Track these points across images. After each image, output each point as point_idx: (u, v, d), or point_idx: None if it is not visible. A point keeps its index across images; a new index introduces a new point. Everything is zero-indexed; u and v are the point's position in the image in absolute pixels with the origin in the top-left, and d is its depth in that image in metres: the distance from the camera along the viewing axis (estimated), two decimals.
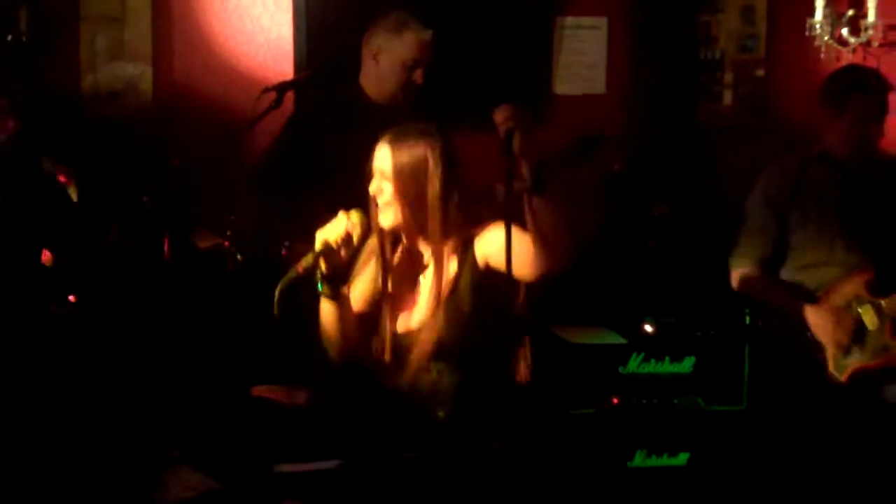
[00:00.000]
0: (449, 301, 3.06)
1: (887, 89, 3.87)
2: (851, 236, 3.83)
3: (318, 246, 3.07)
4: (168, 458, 3.08)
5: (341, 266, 3.09)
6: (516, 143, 2.83)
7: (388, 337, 3.16)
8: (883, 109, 3.84)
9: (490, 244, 3.03)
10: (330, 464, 3.40)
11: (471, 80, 4.89)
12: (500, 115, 2.89)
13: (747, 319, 4.25)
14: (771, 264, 3.92)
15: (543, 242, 2.90)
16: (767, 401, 4.02)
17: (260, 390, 4.16)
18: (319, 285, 3.10)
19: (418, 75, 3.86)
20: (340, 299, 3.13)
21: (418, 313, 3.16)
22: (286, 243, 3.95)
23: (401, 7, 4.07)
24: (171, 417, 4.16)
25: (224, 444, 4.05)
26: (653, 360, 4.23)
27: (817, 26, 5.11)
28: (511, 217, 2.77)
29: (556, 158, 3.35)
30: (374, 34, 3.92)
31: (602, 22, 5.14)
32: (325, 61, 4.79)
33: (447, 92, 4.50)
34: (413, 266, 3.19)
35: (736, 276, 3.99)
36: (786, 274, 3.95)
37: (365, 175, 3.17)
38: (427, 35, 3.87)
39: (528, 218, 2.90)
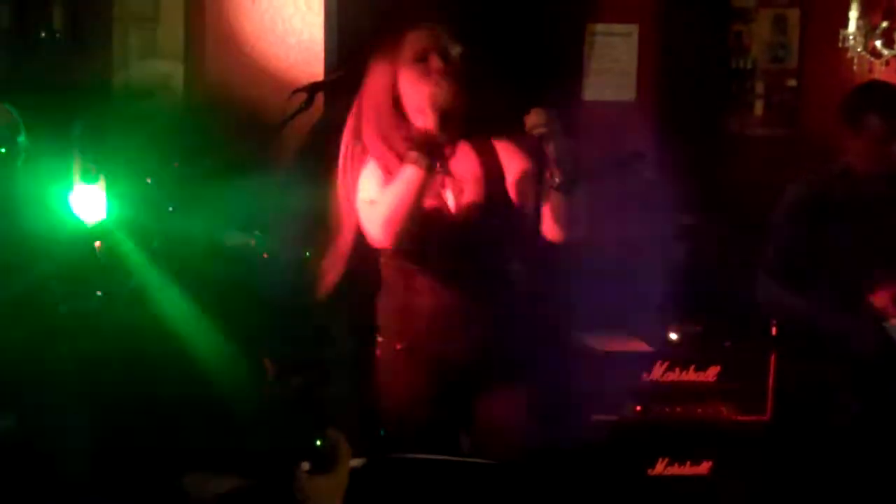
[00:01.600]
0: None
1: None
2: (875, 252, 3.81)
3: (432, 110, 3.01)
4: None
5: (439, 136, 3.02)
6: (549, 148, 2.86)
7: None
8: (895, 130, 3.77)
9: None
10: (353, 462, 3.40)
11: (501, 86, 4.89)
12: (531, 120, 2.91)
13: (773, 330, 4.23)
14: (795, 279, 3.91)
15: (552, 229, 2.99)
16: (791, 412, 4.00)
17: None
18: (416, 153, 3.00)
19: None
20: (434, 173, 3.03)
21: None
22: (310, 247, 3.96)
23: (432, 12, 4.06)
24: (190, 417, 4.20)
25: (247, 442, 4.08)
26: (677, 369, 4.22)
27: (850, 37, 5.08)
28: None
29: (591, 169, 3.34)
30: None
31: (633, 29, 5.13)
32: (355, 63, 4.80)
33: (477, 97, 4.49)
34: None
35: (760, 290, 3.97)
36: (810, 289, 3.92)
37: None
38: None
39: (547, 204, 2.97)
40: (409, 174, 2.98)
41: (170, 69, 4.85)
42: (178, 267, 3.85)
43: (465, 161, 3.16)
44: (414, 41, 3.09)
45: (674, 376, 4.22)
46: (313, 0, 4.95)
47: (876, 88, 3.99)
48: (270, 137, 4.33)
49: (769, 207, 4.21)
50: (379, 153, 3.11)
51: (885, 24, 5.12)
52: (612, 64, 5.14)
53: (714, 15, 5.22)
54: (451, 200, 3.13)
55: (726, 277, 4.57)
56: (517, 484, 3.24)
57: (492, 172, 3.15)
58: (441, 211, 3.11)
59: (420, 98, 3.04)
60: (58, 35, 4.73)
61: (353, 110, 3.20)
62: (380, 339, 3.23)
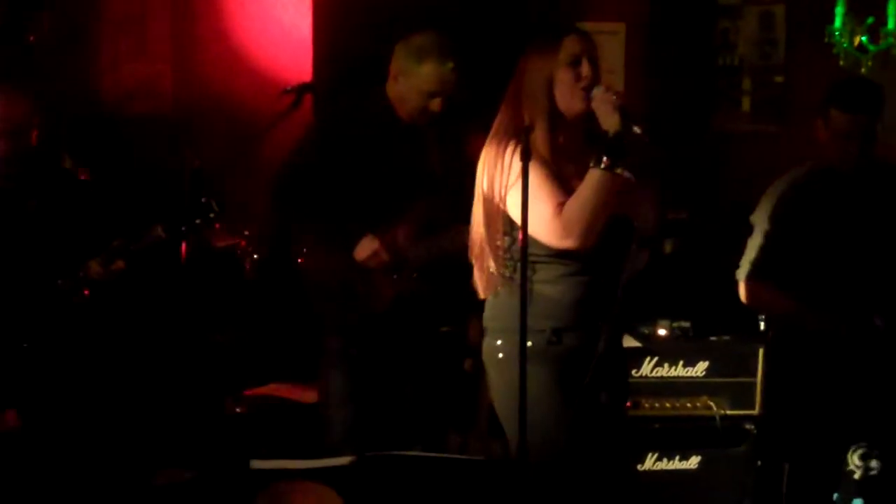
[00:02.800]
0: None
1: (874, 104, 3.80)
2: (854, 249, 3.82)
3: (613, 110, 3.04)
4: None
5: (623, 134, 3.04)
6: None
7: None
8: (867, 127, 3.78)
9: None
10: (342, 460, 3.42)
11: (488, 85, 4.90)
12: (608, 97, 3.03)
13: (761, 325, 4.24)
14: (777, 276, 3.92)
15: (577, 213, 3.01)
16: (779, 406, 4.01)
17: (272, 388, 4.22)
18: (607, 157, 3.02)
19: (436, 104, 3.77)
20: (616, 174, 3.04)
21: None
22: (304, 250, 3.96)
23: (421, 15, 4.05)
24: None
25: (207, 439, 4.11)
26: (666, 365, 4.24)
27: (836, 33, 5.09)
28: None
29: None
30: (398, 53, 3.80)
31: (620, 28, 5.15)
32: (345, 64, 4.82)
33: (467, 104, 4.50)
34: None
35: (743, 288, 3.99)
36: (791, 285, 3.93)
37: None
38: (448, 66, 3.77)
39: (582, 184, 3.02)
40: (599, 177, 3.03)
41: (157, 70, 4.86)
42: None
43: None
44: (570, 44, 3.13)
45: (662, 372, 4.23)
46: (302, 0, 4.97)
47: (844, 85, 3.99)
48: (259, 138, 4.35)
49: (756, 203, 4.23)
50: (549, 156, 3.14)
51: (871, 19, 5.14)
52: (600, 62, 5.15)
53: (700, 12, 5.24)
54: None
55: (714, 273, 4.58)
56: (506, 481, 3.25)
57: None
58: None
59: (577, 105, 3.10)
60: (45, 38, 4.74)
61: (506, 112, 3.21)
62: (499, 342, 3.23)
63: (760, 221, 3.94)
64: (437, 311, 3.95)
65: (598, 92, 3.08)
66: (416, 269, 3.77)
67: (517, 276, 3.10)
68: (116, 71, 4.87)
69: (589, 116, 3.11)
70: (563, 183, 3.12)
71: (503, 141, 3.15)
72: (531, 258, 3.09)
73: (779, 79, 5.33)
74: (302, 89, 4.16)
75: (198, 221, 3.75)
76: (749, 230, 3.99)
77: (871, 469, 3.80)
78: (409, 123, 3.83)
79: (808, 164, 3.92)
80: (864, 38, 5.13)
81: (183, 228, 3.75)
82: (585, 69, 3.11)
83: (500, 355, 3.18)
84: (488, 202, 3.19)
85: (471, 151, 3.88)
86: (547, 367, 3.13)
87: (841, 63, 5.10)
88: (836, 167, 3.83)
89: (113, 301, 3.91)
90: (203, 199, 3.75)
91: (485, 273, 3.23)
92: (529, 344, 3.02)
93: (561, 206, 3.06)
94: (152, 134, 4.78)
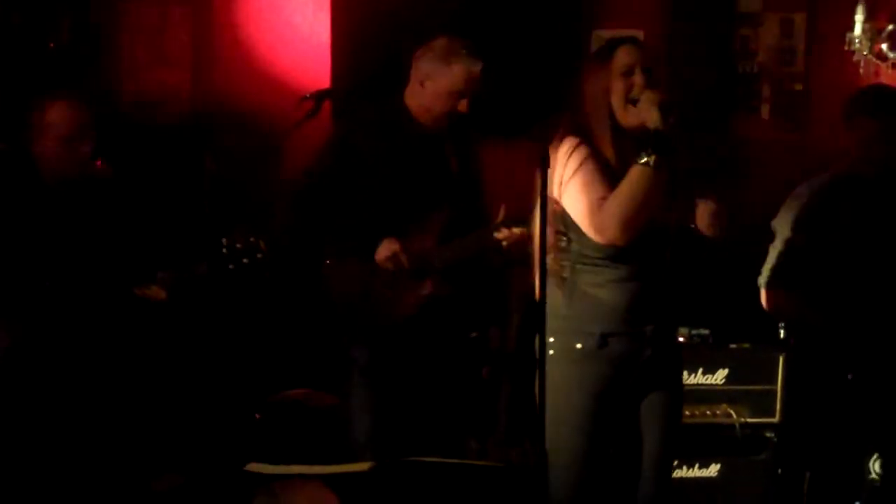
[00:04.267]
0: None
1: None
2: (879, 256, 3.80)
3: (653, 107, 3.08)
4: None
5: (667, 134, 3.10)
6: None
7: None
8: (889, 132, 3.78)
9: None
10: (362, 466, 3.42)
11: (509, 95, 4.90)
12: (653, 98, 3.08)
13: (781, 333, 4.23)
14: (799, 283, 3.90)
15: (615, 207, 3.06)
16: (800, 414, 3.99)
17: (291, 393, 4.22)
18: (648, 154, 3.06)
19: (464, 105, 3.79)
20: (661, 169, 3.09)
21: None
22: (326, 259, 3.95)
23: (441, 21, 4.06)
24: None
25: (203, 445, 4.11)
26: (685, 372, 4.22)
27: (856, 41, 5.08)
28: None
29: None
30: (423, 59, 3.82)
31: (638, 34, 5.14)
32: (363, 72, 4.83)
33: (486, 106, 4.51)
34: None
35: (765, 294, 3.98)
36: (814, 292, 3.92)
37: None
38: (477, 66, 3.78)
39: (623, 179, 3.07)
40: (641, 174, 3.07)
41: (177, 78, 4.88)
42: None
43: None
44: (623, 55, 3.19)
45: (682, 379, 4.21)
46: (321, 7, 4.99)
47: (871, 91, 4.00)
48: (278, 146, 4.36)
49: (776, 210, 4.21)
50: (615, 161, 3.18)
51: (890, 27, 5.13)
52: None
53: (720, 19, 5.23)
54: None
55: (733, 280, 4.57)
56: (524, 486, 3.24)
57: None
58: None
59: (629, 115, 3.15)
60: (66, 45, 4.76)
61: (569, 115, 3.27)
62: (550, 339, 3.22)
63: (782, 228, 3.93)
64: (462, 317, 3.95)
65: (633, 108, 3.14)
66: (438, 273, 3.77)
67: (572, 277, 3.21)
68: (136, 79, 4.88)
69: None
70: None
71: (564, 142, 3.21)
72: (583, 261, 3.18)
73: (798, 86, 5.32)
74: (321, 96, 4.17)
75: (245, 261, 3.73)
76: (770, 237, 3.98)
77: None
78: (427, 130, 3.84)
79: (831, 171, 3.91)
80: (883, 46, 5.13)
81: (231, 267, 3.73)
82: (637, 79, 3.16)
83: (551, 352, 3.19)
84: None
85: (489, 156, 3.91)
86: (594, 369, 3.19)
87: (861, 71, 5.09)
88: (862, 174, 3.82)
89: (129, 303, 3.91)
90: (252, 239, 3.72)
91: None
92: (579, 346, 3.18)
93: (603, 200, 3.11)
94: (172, 142, 4.79)
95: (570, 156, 3.16)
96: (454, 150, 3.89)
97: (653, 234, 3.17)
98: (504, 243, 3.64)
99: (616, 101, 3.16)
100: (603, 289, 3.20)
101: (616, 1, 5.15)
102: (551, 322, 3.16)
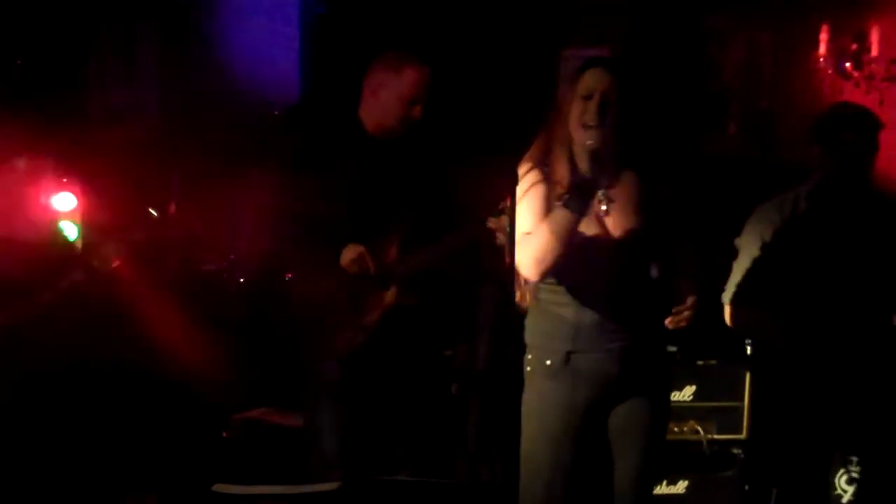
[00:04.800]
0: None
1: (876, 128, 3.85)
2: (843, 273, 3.84)
3: (584, 153, 3.08)
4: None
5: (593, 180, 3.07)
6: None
7: None
8: (868, 148, 3.83)
9: None
10: (329, 486, 3.41)
11: (477, 113, 4.93)
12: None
13: (748, 349, 4.25)
14: (764, 300, 3.93)
15: (530, 244, 3.07)
16: (767, 430, 4.01)
17: (259, 412, 4.21)
18: (568, 197, 3.06)
19: (417, 111, 3.86)
20: (582, 216, 3.08)
21: None
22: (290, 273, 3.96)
23: (407, 40, 4.10)
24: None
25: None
26: None
27: (821, 59, 5.14)
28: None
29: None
30: (374, 70, 3.89)
31: (603, 53, 5.17)
32: (330, 91, 4.84)
33: (453, 125, 4.53)
34: None
35: (729, 311, 4.01)
36: (778, 309, 3.95)
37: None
38: (426, 72, 3.88)
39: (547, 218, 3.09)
40: (560, 216, 3.07)
41: (145, 94, 4.87)
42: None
43: (627, 188, 3.24)
44: (587, 78, 3.18)
45: None
46: (290, 24, 4.99)
47: (838, 110, 4.04)
48: (247, 161, 4.35)
49: (741, 227, 4.24)
50: (561, 175, 3.18)
51: (854, 46, 5.18)
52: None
53: (686, 38, 5.27)
54: (612, 227, 3.22)
55: (701, 297, 4.59)
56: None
57: (650, 200, 3.27)
58: (601, 238, 3.20)
59: (580, 138, 3.14)
60: (33, 60, 4.74)
61: (538, 135, 3.27)
62: (528, 356, 3.28)
63: (747, 245, 3.95)
64: (429, 333, 3.96)
65: (583, 133, 3.12)
66: (402, 282, 3.78)
67: (539, 297, 3.24)
68: (104, 95, 4.87)
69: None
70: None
71: (522, 163, 3.22)
72: (546, 281, 3.19)
73: (765, 104, 5.36)
74: (290, 113, 4.17)
75: None
76: (734, 254, 4.01)
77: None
78: (380, 141, 3.88)
79: (796, 188, 3.93)
80: (848, 65, 5.19)
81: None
82: (592, 106, 3.13)
83: (528, 368, 3.25)
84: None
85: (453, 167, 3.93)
86: (562, 387, 3.20)
87: (826, 89, 5.15)
88: (827, 192, 3.85)
89: (98, 322, 3.90)
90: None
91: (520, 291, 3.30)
92: (548, 363, 3.21)
93: (527, 234, 3.13)
94: (139, 158, 4.77)
95: (521, 180, 3.14)
96: (414, 160, 3.91)
97: (623, 255, 3.19)
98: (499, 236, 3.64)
99: (573, 123, 3.16)
100: (568, 307, 3.21)
101: (585, 20, 5.18)
102: (530, 338, 3.26)
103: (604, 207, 3.08)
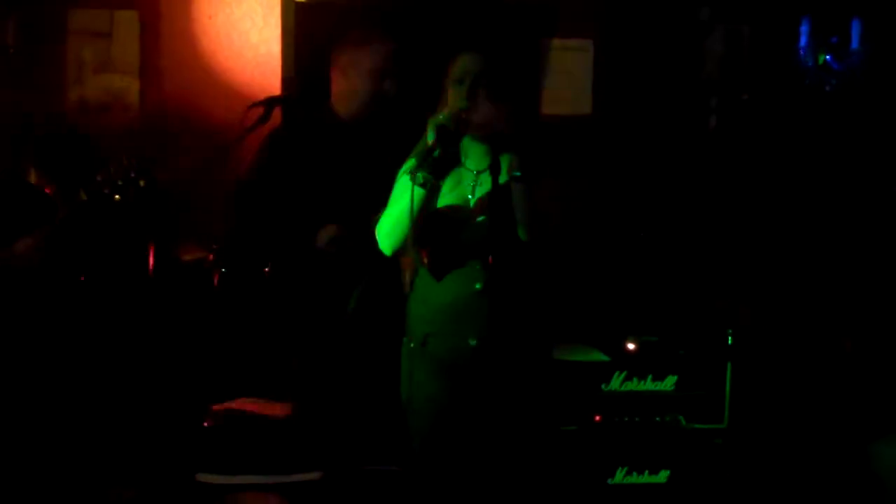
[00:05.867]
0: None
1: None
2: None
3: (432, 129, 3.07)
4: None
5: (448, 154, 3.10)
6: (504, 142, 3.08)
7: None
8: None
9: None
10: (311, 475, 3.40)
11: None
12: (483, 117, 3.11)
13: (729, 339, 4.26)
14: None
15: (522, 220, 3.10)
16: (748, 419, 4.03)
17: (240, 402, 4.17)
18: (420, 172, 3.10)
19: (388, 84, 3.87)
20: (433, 191, 3.15)
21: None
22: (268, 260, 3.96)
23: (383, 28, 4.09)
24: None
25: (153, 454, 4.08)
26: (635, 379, 4.25)
27: (801, 52, 5.15)
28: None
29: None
30: (340, 51, 3.94)
31: (588, 44, 5.18)
32: (311, 80, 4.81)
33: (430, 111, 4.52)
34: None
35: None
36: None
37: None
38: (392, 43, 3.89)
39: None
40: (404, 188, 3.15)
41: (124, 83, 4.84)
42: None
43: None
44: (458, 63, 3.21)
45: (631, 386, 4.24)
46: (270, 15, 4.97)
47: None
48: (227, 151, 4.33)
49: (721, 218, 4.26)
50: None
51: (835, 38, 5.20)
52: (568, 78, 5.18)
53: (667, 31, 5.27)
54: (472, 198, 3.24)
55: (681, 287, 4.61)
56: (476, 494, 3.24)
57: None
58: (461, 208, 3.22)
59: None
60: (11, 50, 4.71)
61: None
62: (405, 338, 3.34)
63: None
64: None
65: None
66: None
67: (415, 279, 3.32)
68: (83, 84, 4.83)
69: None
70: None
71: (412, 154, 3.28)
72: (414, 265, 3.29)
73: (744, 97, 5.37)
74: (270, 103, 4.15)
75: (118, 197, 3.71)
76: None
77: None
78: (353, 125, 3.87)
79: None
80: (828, 57, 5.20)
81: (115, 197, 3.71)
82: (463, 90, 3.17)
83: (402, 350, 3.34)
84: None
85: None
86: (423, 367, 3.24)
87: (806, 81, 5.16)
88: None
89: (80, 312, 3.88)
90: (131, 174, 3.71)
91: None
92: (412, 345, 3.27)
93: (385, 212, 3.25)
94: (119, 148, 4.74)
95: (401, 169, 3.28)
96: (384, 143, 3.90)
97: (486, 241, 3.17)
98: None
99: (442, 107, 3.18)
100: (427, 290, 3.26)
101: (566, 11, 5.17)
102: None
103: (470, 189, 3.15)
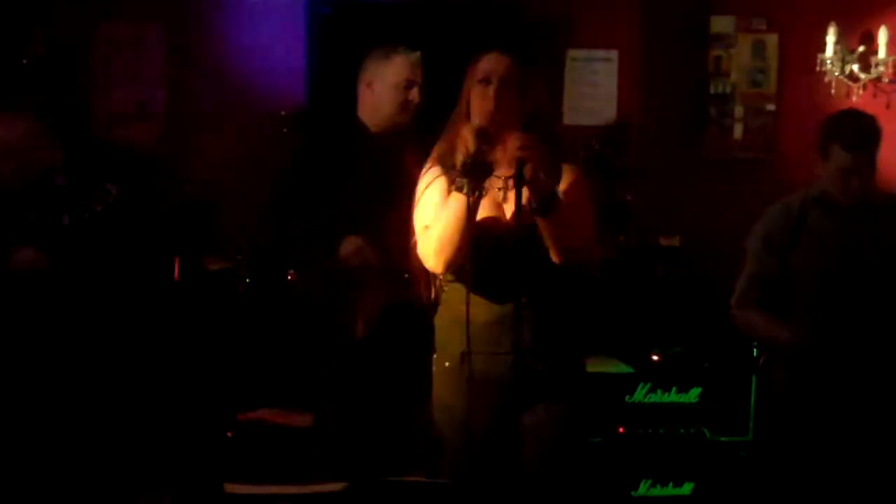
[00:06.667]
0: None
1: (870, 139, 3.81)
2: (850, 279, 3.82)
3: (471, 134, 2.96)
4: None
5: (487, 158, 2.97)
6: (527, 171, 2.88)
7: None
8: (866, 162, 3.80)
9: None
10: (333, 486, 3.41)
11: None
12: (513, 144, 2.92)
13: (754, 351, 4.25)
14: (772, 304, 3.92)
15: (554, 248, 3.01)
16: (772, 432, 4.01)
17: (262, 413, 4.21)
18: (464, 180, 2.95)
19: (414, 94, 3.90)
20: (478, 196, 2.98)
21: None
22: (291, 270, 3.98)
23: (411, 41, 4.11)
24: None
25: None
26: (659, 390, 4.24)
27: (828, 62, 5.14)
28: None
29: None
30: (365, 66, 3.97)
31: (613, 55, 5.18)
32: (335, 92, 4.84)
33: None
34: None
35: (738, 316, 3.99)
36: (787, 314, 3.93)
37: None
38: (415, 56, 3.93)
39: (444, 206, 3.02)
40: (453, 200, 3.01)
41: (151, 95, 4.88)
42: None
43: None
44: (484, 62, 3.11)
45: (655, 397, 4.23)
46: (297, 27, 4.99)
47: (844, 119, 3.99)
48: (253, 163, 4.36)
49: (747, 230, 4.23)
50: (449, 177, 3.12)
51: (861, 48, 5.18)
52: (593, 89, 5.18)
53: (693, 40, 5.27)
54: (509, 213, 3.11)
55: (707, 299, 4.59)
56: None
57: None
58: (499, 223, 3.12)
59: (480, 121, 3.04)
60: (39, 61, 4.75)
61: (443, 138, 3.19)
62: (435, 355, 3.24)
63: (754, 248, 3.94)
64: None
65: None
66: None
67: (442, 295, 3.19)
68: (110, 94, 4.87)
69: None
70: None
71: (428, 160, 3.16)
72: (446, 279, 3.14)
73: (770, 107, 5.36)
74: (296, 116, 4.18)
75: (99, 208, 3.74)
76: (742, 256, 4.00)
77: None
78: (380, 137, 3.89)
79: (802, 191, 3.92)
80: (854, 67, 5.18)
81: (88, 213, 3.74)
82: (490, 90, 3.06)
83: (434, 369, 3.23)
84: None
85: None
86: (460, 388, 3.09)
87: (832, 91, 5.14)
88: (837, 200, 3.83)
89: (106, 321, 3.90)
90: (107, 186, 3.75)
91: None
92: (447, 364, 3.15)
93: (426, 228, 3.07)
94: (146, 157, 4.78)
95: (422, 176, 3.13)
96: (412, 155, 3.91)
97: (522, 247, 3.05)
98: None
99: (473, 111, 3.07)
100: (463, 306, 3.04)
101: (590, 21, 5.18)
102: (437, 340, 3.22)
103: (500, 192, 3.03)
